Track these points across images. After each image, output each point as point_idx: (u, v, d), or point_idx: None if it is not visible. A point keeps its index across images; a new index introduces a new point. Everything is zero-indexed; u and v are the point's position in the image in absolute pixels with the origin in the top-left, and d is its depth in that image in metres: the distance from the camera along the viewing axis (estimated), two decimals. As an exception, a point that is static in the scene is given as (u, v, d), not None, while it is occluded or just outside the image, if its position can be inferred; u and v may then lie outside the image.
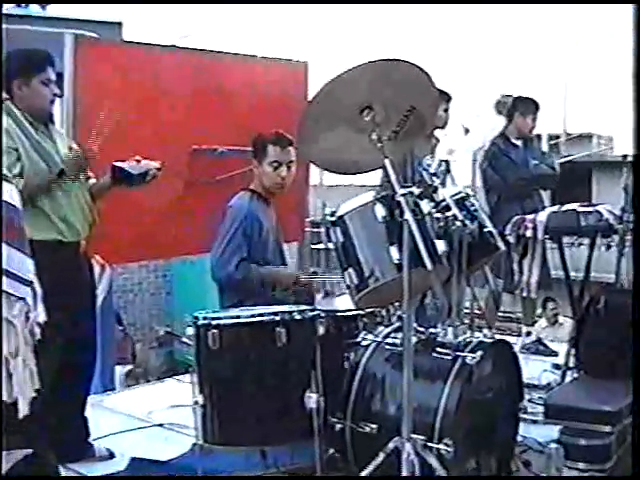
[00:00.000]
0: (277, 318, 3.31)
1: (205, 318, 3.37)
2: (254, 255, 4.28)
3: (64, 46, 5.30)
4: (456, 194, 3.79)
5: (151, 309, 16.54)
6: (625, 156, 5.69)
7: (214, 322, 3.33)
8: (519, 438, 3.83)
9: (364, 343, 3.61)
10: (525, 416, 3.95)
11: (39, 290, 2.78)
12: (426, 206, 3.32)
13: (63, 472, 3.81)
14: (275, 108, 6.13)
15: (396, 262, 3.11)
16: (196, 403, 3.37)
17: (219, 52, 6.51)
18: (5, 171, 3.47)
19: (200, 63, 6.15)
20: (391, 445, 3.12)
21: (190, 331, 3.40)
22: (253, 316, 3.35)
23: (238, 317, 3.37)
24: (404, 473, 3.04)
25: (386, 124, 3.27)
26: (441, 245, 3.21)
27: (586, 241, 5.10)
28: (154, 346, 15.50)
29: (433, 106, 3.53)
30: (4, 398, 2.64)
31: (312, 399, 3.26)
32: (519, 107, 6.47)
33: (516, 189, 6.28)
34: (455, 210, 3.57)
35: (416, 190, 3.26)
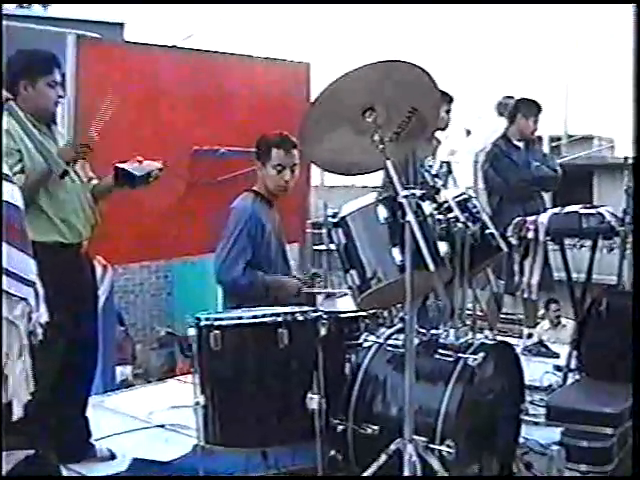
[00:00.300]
0: (279, 319, 3.30)
1: (207, 319, 3.36)
2: (257, 257, 4.27)
3: (66, 46, 5.31)
4: (458, 196, 3.79)
5: (152, 310, 16.56)
6: (626, 158, 5.69)
7: (216, 323, 3.33)
8: (521, 440, 3.83)
9: (366, 344, 3.60)
10: (527, 418, 3.94)
11: (41, 291, 2.78)
12: (428, 208, 3.32)
13: (64, 472, 3.81)
14: (277, 109, 6.14)
15: (398, 263, 3.11)
16: (197, 404, 3.36)
17: (221, 53, 6.52)
18: (7, 171, 3.46)
19: (201, 64, 6.16)
20: (393, 447, 3.11)
21: (192, 332, 3.39)
22: (255, 317, 3.34)
23: (240, 318, 3.36)
24: (406, 474, 3.03)
25: (388, 125, 3.27)
26: (443, 247, 3.21)
27: (588, 243, 5.10)
28: (155, 347, 15.50)
29: (435, 107, 3.53)
30: None
31: (314, 400, 3.26)
32: (522, 109, 6.46)
33: (518, 191, 6.28)
34: (457, 212, 3.56)
35: (418, 192, 3.26)
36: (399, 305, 3.64)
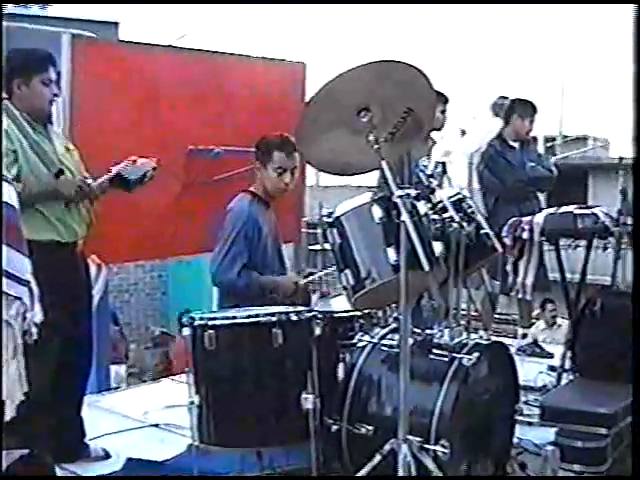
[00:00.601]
0: (273, 319, 3.31)
1: (202, 318, 3.36)
2: (254, 259, 4.27)
3: (61, 45, 5.30)
4: (453, 196, 3.80)
5: (146, 309, 16.58)
6: (621, 158, 5.69)
7: (210, 322, 3.33)
8: (515, 440, 3.83)
9: (360, 344, 3.60)
10: (521, 418, 3.94)
11: (36, 290, 2.78)
12: (423, 208, 3.32)
13: (59, 472, 3.80)
14: (272, 108, 6.13)
15: (393, 263, 3.12)
16: (192, 403, 3.36)
17: (216, 52, 6.51)
18: (3, 172, 3.46)
19: (197, 63, 6.16)
20: (387, 447, 3.12)
21: (186, 331, 3.39)
22: (250, 317, 3.34)
23: (234, 318, 3.36)
24: (400, 475, 3.04)
25: (383, 125, 3.27)
26: (438, 247, 3.21)
27: (583, 243, 5.10)
28: (149, 346, 15.51)
29: (430, 108, 3.53)
30: None
31: (308, 400, 3.26)
32: (517, 109, 6.46)
33: (513, 191, 6.28)
34: (452, 212, 3.57)
35: (413, 192, 3.27)
36: (393, 305, 3.64)
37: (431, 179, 3.69)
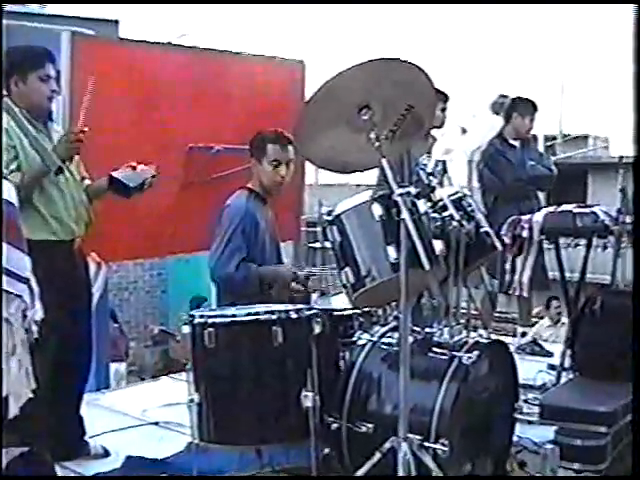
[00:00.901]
0: (273, 317, 3.30)
1: (201, 316, 3.36)
2: (251, 254, 4.27)
3: (61, 43, 5.29)
4: (453, 194, 3.80)
5: (146, 307, 16.58)
6: (621, 157, 5.70)
7: (210, 320, 3.32)
8: (515, 438, 3.83)
9: (360, 342, 3.60)
10: (521, 416, 3.95)
11: (36, 288, 2.78)
12: (423, 206, 3.32)
13: (59, 470, 3.80)
14: (272, 107, 6.12)
15: (393, 262, 3.12)
16: (191, 401, 3.36)
17: (216, 50, 6.50)
18: (3, 169, 3.46)
19: (197, 61, 6.14)
20: (387, 445, 3.11)
21: (186, 329, 3.39)
22: (249, 315, 3.34)
23: (234, 316, 3.36)
24: (400, 473, 3.03)
25: (384, 123, 3.27)
26: (438, 245, 3.21)
27: (582, 242, 5.11)
28: (149, 344, 15.51)
29: (431, 106, 3.53)
30: None
31: (308, 398, 3.26)
32: (518, 108, 6.46)
33: (513, 190, 6.28)
34: (452, 210, 3.57)
35: (413, 190, 3.26)
36: (393, 303, 3.64)
37: (431, 177, 3.70)
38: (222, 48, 6.56)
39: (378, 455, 3.13)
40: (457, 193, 3.85)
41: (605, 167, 18.01)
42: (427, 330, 3.60)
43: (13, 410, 2.67)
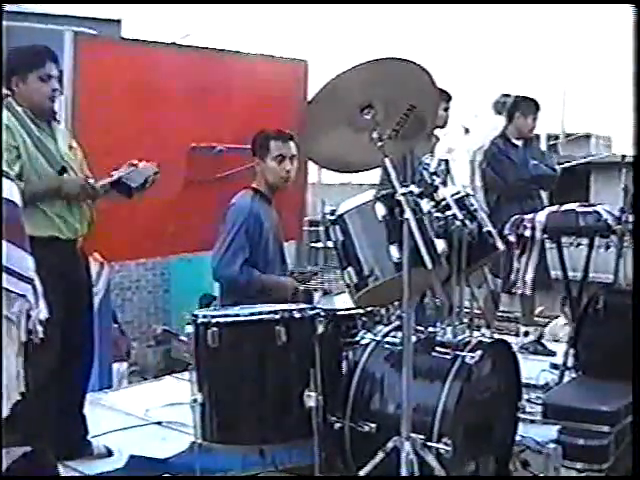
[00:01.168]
0: (277, 316, 3.31)
1: (205, 316, 3.36)
2: (255, 255, 4.28)
3: (64, 43, 5.29)
4: (456, 193, 3.79)
5: (148, 307, 16.58)
6: (624, 156, 5.69)
7: (214, 320, 3.33)
8: (517, 438, 3.83)
9: (363, 342, 3.61)
10: (523, 416, 3.94)
11: (40, 287, 2.77)
12: (426, 205, 3.32)
13: (61, 470, 3.80)
14: (275, 106, 6.11)
15: (396, 261, 3.11)
16: (195, 401, 3.36)
17: (219, 50, 6.49)
18: (5, 168, 3.46)
19: (199, 61, 6.13)
20: (390, 444, 3.12)
21: (189, 329, 3.39)
22: (253, 314, 3.35)
23: (238, 315, 3.36)
24: (403, 472, 3.04)
25: (386, 123, 3.27)
26: (441, 244, 3.21)
27: (585, 241, 5.10)
28: (151, 344, 15.51)
29: (433, 105, 3.53)
30: None
31: (311, 398, 3.26)
32: (520, 107, 6.46)
33: (516, 189, 6.28)
34: (455, 209, 3.57)
35: (416, 189, 3.26)
36: (396, 303, 3.64)
37: (434, 177, 3.69)
38: (225, 48, 6.55)
39: (381, 455, 3.14)
40: (460, 192, 3.85)
41: (608, 166, 17.98)
42: (430, 329, 3.60)
43: (5, 411, 2.66)
